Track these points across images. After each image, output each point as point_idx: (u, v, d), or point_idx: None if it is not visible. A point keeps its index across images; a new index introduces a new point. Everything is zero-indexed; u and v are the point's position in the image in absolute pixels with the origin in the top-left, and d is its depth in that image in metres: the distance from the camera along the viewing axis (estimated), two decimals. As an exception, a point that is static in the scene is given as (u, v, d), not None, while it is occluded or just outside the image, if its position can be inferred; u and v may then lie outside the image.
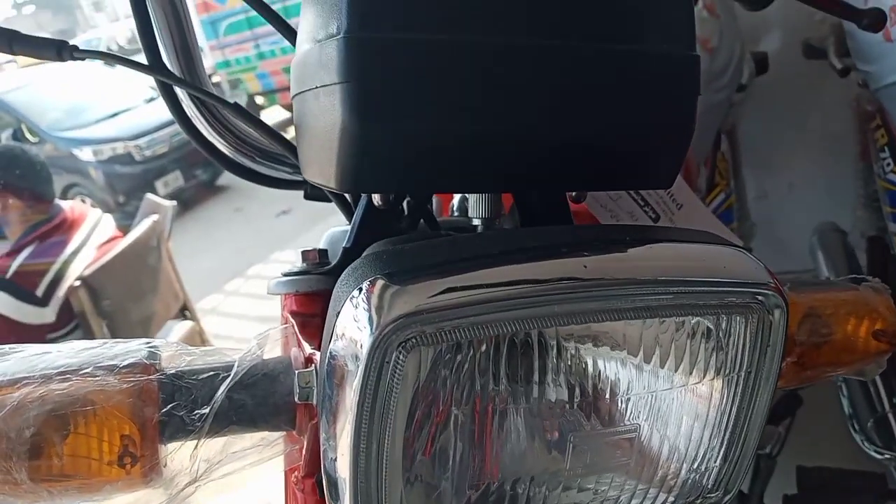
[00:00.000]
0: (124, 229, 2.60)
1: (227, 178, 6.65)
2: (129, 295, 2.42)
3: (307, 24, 0.36)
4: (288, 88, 0.41)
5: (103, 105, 6.38)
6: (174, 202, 2.93)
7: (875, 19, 0.72)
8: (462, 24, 0.33)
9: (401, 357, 0.29)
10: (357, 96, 0.32)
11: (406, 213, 0.47)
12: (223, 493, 0.43)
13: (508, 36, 0.33)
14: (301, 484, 0.45)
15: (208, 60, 8.08)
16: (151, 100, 6.36)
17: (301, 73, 0.37)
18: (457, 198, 0.54)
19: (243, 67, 8.10)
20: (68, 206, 2.44)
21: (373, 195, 0.40)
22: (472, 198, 0.42)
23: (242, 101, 8.01)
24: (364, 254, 0.34)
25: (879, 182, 1.20)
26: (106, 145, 6.15)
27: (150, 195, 3.17)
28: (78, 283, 2.16)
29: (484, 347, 0.33)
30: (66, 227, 2.33)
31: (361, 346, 0.30)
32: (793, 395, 1.37)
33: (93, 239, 2.39)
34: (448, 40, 0.33)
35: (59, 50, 0.48)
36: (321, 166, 0.36)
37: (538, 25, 0.34)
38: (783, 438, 1.31)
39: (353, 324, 0.31)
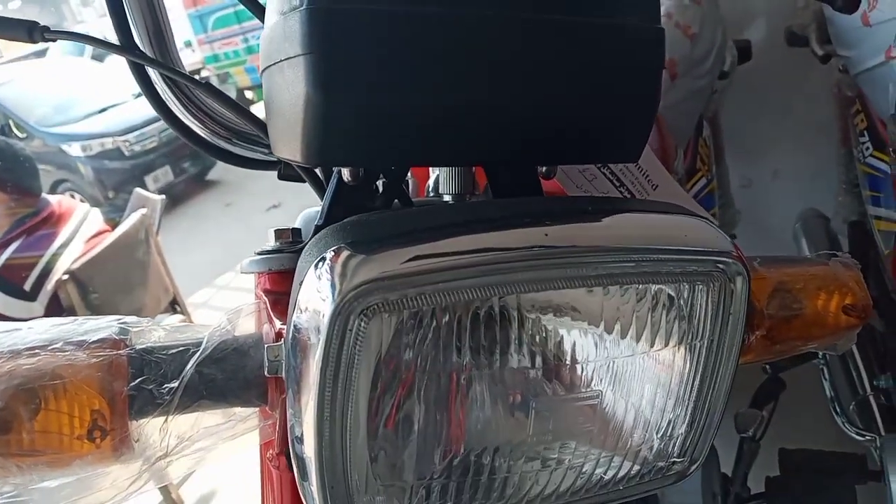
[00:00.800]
0: (113, 223, 2.59)
1: (217, 172, 6.62)
2: (117, 288, 2.41)
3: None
4: None
5: (92, 100, 6.34)
6: (163, 196, 2.92)
7: (848, 2, 0.73)
8: None
9: (362, 325, 0.30)
10: (320, 67, 0.32)
11: (380, 191, 0.47)
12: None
13: (473, 8, 0.34)
14: (276, 461, 0.45)
15: (197, 55, 8.04)
16: (140, 95, 6.31)
17: (268, 48, 0.37)
18: (432, 178, 0.54)
19: (232, 62, 8.06)
20: (55, 200, 2.44)
21: (342, 171, 0.40)
22: (443, 174, 0.42)
23: (232, 95, 7.96)
24: (329, 226, 0.34)
25: (859, 166, 1.21)
26: (95, 141, 6.12)
27: (139, 189, 3.15)
28: (66, 276, 2.15)
29: (447, 318, 0.33)
30: (53, 220, 2.32)
31: (323, 315, 0.30)
32: (776, 379, 1.39)
33: (81, 233, 2.38)
34: (412, 11, 0.33)
35: (30, 31, 0.48)
36: (288, 141, 0.36)
37: None
38: (767, 422, 1.32)
39: (316, 294, 0.31)
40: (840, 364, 1.44)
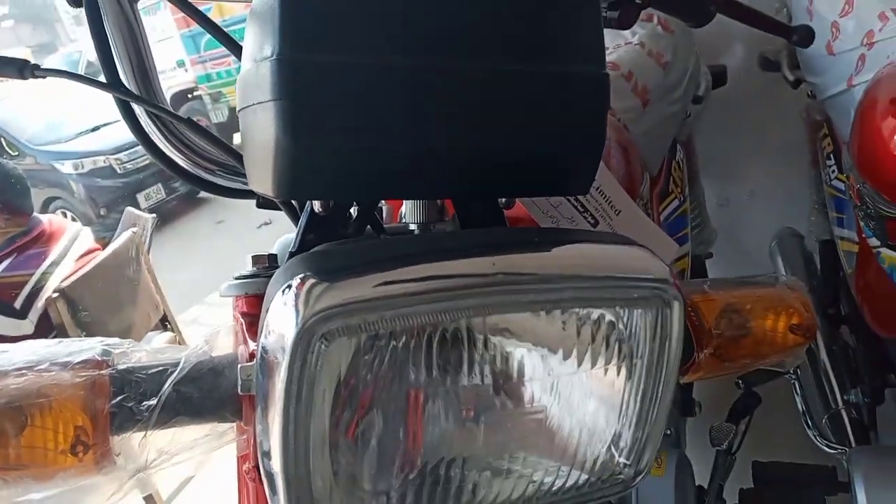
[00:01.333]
0: (104, 242, 2.60)
1: (208, 190, 6.65)
2: (107, 306, 2.42)
3: (248, 45, 0.40)
4: None
5: (84, 118, 6.37)
6: (153, 215, 2.94)
7: (803, 36, 0.77)
8: (386, 47, 0.36)
9: (323, 347, 0.33)
10: (288, 113, 0.35)
11: (353, 219, 0.50)
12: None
13: (429, 58, 0.37)
14: (252, 473, 0.48)
15: (190, 74, 8.09)
16: (132, 113, 6.35)
17: (243, 90, 0.41)
18: (404, 206, 0.58)
19: (224, 81, 8.11)
20: (46, 219, 2.46)
21: (313, 203, 0.43)
22: (408, 205, 0.45)
23: (224, 115, 8.04)
24: (296, 255, 0.37)
25: (826, 188, 1.25)
26: (87, 159, 6.14)
27: (130, 208, 3.18)
28: (56, 294, 2.16)
29: (404, 340, 0.36)
30: (44, 239, 2.34)
31: (287, 338, 0.33)
32: (751, 394, 1.41)
33: (71, 251, 2.40)
34: (373, 63, 0.36)
35: (20, 69, 0.52)
36: (262, 176, 0.39)
37: (458, 48, 0.38)
38: (742, 436, 1.35)
39: (282, 318, 0.34)
40: (813, 379, 1.47)
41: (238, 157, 0.52)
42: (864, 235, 0.88)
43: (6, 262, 2.27)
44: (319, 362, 0.33)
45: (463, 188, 0.41)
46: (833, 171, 1.21)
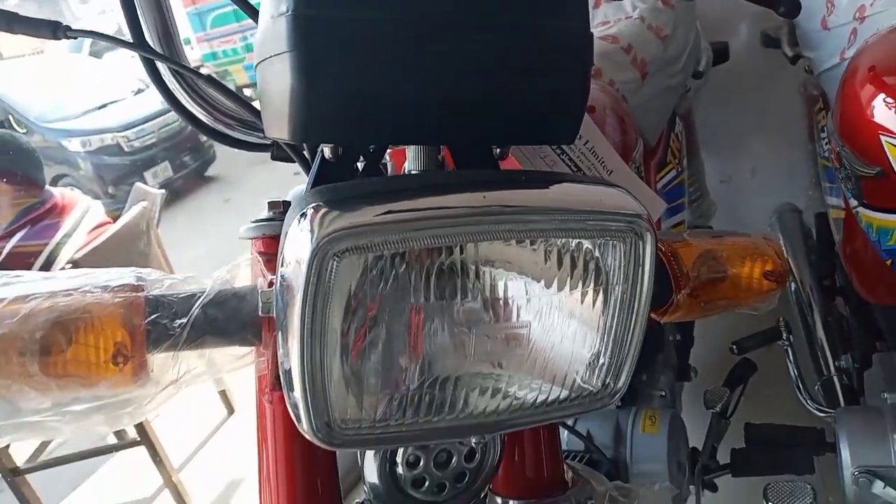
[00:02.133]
0: (115, 216, 2.65)
1: (216, 168, 6.69)
2: (118, 279, 2.47)
3: (266, 3, 0.44)
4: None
5: (91, 96, 6.39)
6: (163, 190, 2.99)
7: (790, 7, 0.81)
8: (388, 3, 0.41)
9: (335, 265, 0.38)
10: (301, 62, 0.40)
11: (360, 171, 0.55)
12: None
13: (428, 12, 0.41)
14: (269, 396, 0.53)
15: (196, 52, 8.11)
16: (139, 91, 6.40)
17: (261, 45, 0.45)
18: (408, 155, 0.62)
19: (231, 59, 8.12)
20: (59, 192, 2.51)
21: (324, 149, 0.48)
22: (410, 152, 0.50)
23: (231, 93, 8.06)
24: (310, 190, 0.42)
25: (819, 161, 1.28)
26: (94, 136, 6.17)
27: (139, 184, 3.23)
28: (69, 265, 2.22)
29: (406, 265, 0.41)
30: (57, 211, 2.40)
31: (304, 257, 0.38)
32: (748, 362, 1.46)
33: (83, 224, 2.45)
34: (376, 17, 0.40)
35: (54, 29, 0.56)
36: (278, 122, 0.44)
37: (454, 3, 0.42)
38: (737, 400, 1.40)
39: (298, 241, 0.39)
40: (807, 347, 1.52)
41: (254, 111, 0.57)
42: (847, 200, 0.92)
43: (21, 233, 2.33)
44: (332, 277, 0.38)
45: (458, 135, 0.46)
46: (827, 144, 1.24)
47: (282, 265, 0.41)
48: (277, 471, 0.54)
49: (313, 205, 0.39)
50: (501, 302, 0.43)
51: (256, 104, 0.56)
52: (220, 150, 6.76)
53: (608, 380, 0.46)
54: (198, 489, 2.44)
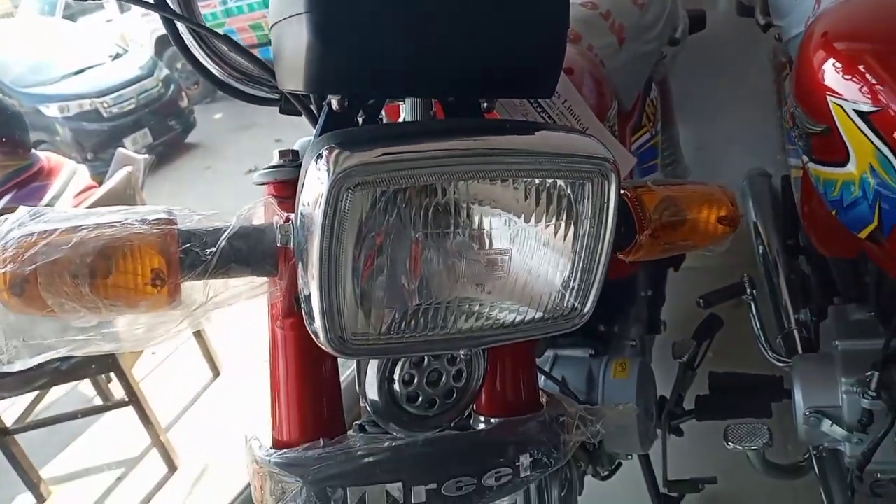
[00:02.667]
0: (99, 180, 2.67)
1: (196, 135, 6.64)
2: (106, 241, 2.50)
3: None
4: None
5: (68, 61, 6.27)
6: (146, 155, 3.00)
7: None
8: None
9: (348, 197, 0.44)
10: (317, 22, 0.46)
11: (360, 123, 0.61)
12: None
13: None
14: (281, 322, 0.60)
15: None
16: (118, 56, 6.31)
17: (277, 7, 0.51)
18: (401, 115, 0.69)
19: (210, 24, 7.99)
20: (44, 155, 2.52)
21: (331, 101, 0.54)
22: (407, 105, 0.56)
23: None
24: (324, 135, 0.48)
25: (784, 125, 1.36)
26: (72, 102, 6.08)
27: (121, 149, 3.23)
28: (58, 227, 2.24)
29: (407, 201, 0.48)
30: (44, 174, 2.41)
31: (322, 191, 0.45)
32: (715, 317, 1.55)
33: (70, 187, 2.47)
34: None
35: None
36: (294, 76, 0.50)
37: None
38: (704, 353, 1.50)
39: (316, 178, 0.46)
40: (771, 303, 1.62)
41: (265, 67, 0.62)
42: (803, 159, 1.00)
43: (8, 196, 2.34)
44: (346, 208, 0.45)
45: (449, 88, 0.53)
46: (785, 107, 1.32)
47: (301, 202, 0.47)
48: (288, 393, 0.62)
49: (328, 146, 0.45)
50: (487, 233, 0.51)
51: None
52: (200, 116, 6.72)
53: (576, 303, 0.54)
54: (184, 448, 2.52)
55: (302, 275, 0.49)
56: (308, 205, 0.47)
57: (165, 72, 6.45)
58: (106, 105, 6.07)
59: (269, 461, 0.58)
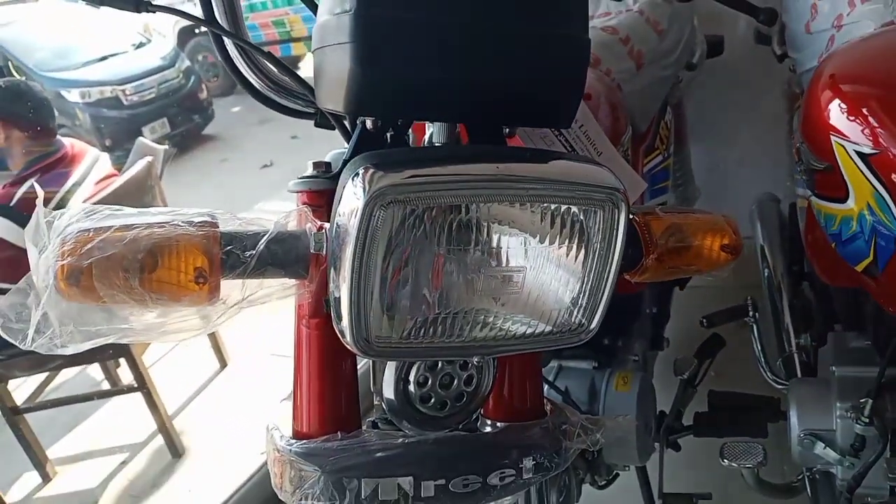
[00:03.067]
0: (117, 167, 2.73)
1: (213, 128, 6.72)
2: (125, 230, 2.56)
3: (326, 2, 0.55)
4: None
5: (92, 48, 6.35)
6: (166, 146, 3.05)
7: (768, 16, 0.92)
8: (427, 6, 0.52)
9: (381, 213, 0.49)
10: (359, 52, 0.51)
11: (389, 141, 0.66)
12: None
13: (458, 17, 0.52)
14: (308, 322, 0.64)
15: (197, 10, 8.04)
16: (140, 45, 6.40)
17: (321, 35, 0.56)
18: (427, 134, 0.73)
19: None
20: (69, 142, 2.58)
21: (366, 121, 0.59)
22: (434, 127, 0.61)
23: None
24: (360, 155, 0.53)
25: (794, 153, 1.39)
26: (94, 88, 6.15)
27: (141, 138, 3.29)
28: (80, 214, 2.29)
29: (432, 218, 0.52)
30: (67, 160, 2.47)
31: (358, 207, 0.49)
32: (717, 337, 1.59)
33: (92, 174, 2.52)
34: (417, 17, 0.52)
35: (136, 3, 0.66)
36: (335, 97, 0.55)
37: (477, 11, 0.53)
38: (706, 371, 1.53)
39: (353, 195, 0.50)
40: (772, 326, 1.65)
41: (303, 83, 0.67)
42: (806, 192, 1.03)
43: (32, 180, 2.40)
44: (378, 223, 0.49)
45: (475, 114, 0.57)
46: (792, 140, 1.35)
47: (337, 213, 0.52)
48: (310, 388, 0.66)
49: (364, 166, 0.50)
50: (504, 251, 0.55)
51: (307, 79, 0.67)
52: (219, 109, 6.80)
53: (584, 319, 0.58)
54: (190, 436, 2.57)
55: (334, 279, 0.53)
56: (344, 216, 0.51)
57: (187, 63, 6.53)
58: (127, 93, 6.15)
59: (291, 450, 0.62)
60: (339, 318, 0.53)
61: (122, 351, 2.38)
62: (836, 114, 0.86)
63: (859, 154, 0.81)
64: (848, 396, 1.16)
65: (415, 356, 0.58)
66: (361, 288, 0.50)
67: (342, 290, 0.51)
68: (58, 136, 2.59)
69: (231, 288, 0.57)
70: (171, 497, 2.31)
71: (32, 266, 0.53)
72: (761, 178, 2.15)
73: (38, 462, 2.42)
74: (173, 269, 0.53)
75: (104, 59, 6.37)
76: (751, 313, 1.52)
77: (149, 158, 2.78)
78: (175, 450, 2.49)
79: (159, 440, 2.52)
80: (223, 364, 3.00)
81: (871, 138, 0.81)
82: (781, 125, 1.97)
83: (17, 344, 0.52)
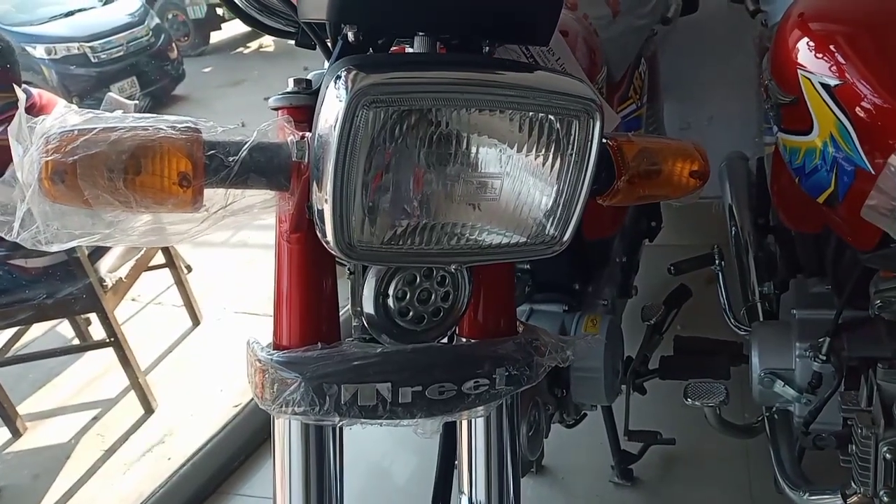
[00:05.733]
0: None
1: (184, 88, 6.58)
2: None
3: None
4: None
5: (58, 2, 6.16)
6: (136, 101, 3.00)
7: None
8: None
9: (362, 114, 0.50)
10: None
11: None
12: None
13: None
14: (289, 237, 0.66)
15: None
16: (108, 1, 6.21)
17: None
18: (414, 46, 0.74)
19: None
20: (36, 92, 2.51)
21: (348, 34, 0.59)
22: (416, 41, 0.62)
23: (202, 11, 7.90)
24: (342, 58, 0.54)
25: (762, 92, 1.43)
26: (60, 44, 5.98)
27: (111, 94, 3.22)
28: (50, 163, 2.25)
29: (414, 124, 0.53)
30: (35, 110, 2.41)
31: (341, 107, 0.50)
32: (684, 287, 1.64)
33: (61, 125, 2.47)
34: None
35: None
36: (318, 4, 0.55)
37: None
38: (672, 319, 1.59)
39: (335, 98, 0.51)
40: (738, 276, 1.71)
41: (286, 1, 0.67)
42: (773, 129, 1.07)
43: (2, 127, 2.34)
44: (360, 124, 0.50)
45: (457, 27, 0.58)
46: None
47: (319, 119, 0.53)
48: (290, 301, 0.68)
49: (346, 68, 0.51)
50: (482, 161, 0.57)
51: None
52: (190, 69, 6.65)
53: (556, 232, 0.61)
54: (162, 392, 2.57)
55: (316, 186, 0.54)
56: (326, 121, 0.52)
57: (156, 21, 6.36)
58: (94, 50, 5.98)
59: (272, 360, 0.64)
60: (323, 222, 0.54)
61: (94, 305, 2.36)
62: (804, 49, 0.89)
63: (824, 86, 0.85)
64: (807, 337, 1.22)
65: (395, 261, 0.60)
66: (344, 190, 0.52)
67: (326, 191, 0.52)
68: (24, 86, 2.52)
69: (215, 195, 0.58)
70: (143, 450, 2.32)
71: (16, 163, 0.53)
72: (730, 138, 2.20)
73: (8, 417, 2.40)
74: (157, 174, 0.54)
75: (70, 13, 6.17)
76: (717, 261, 1.57)
77: (120, 112, 2.70)
78: (148, 404, 2.49)
79: (132, 396, 2.52)
80: (196, 322, 2.99)
81: (836, 71, 0.84)
82: (751, 86, 2.01)
83: (2, 235, 0.53)
